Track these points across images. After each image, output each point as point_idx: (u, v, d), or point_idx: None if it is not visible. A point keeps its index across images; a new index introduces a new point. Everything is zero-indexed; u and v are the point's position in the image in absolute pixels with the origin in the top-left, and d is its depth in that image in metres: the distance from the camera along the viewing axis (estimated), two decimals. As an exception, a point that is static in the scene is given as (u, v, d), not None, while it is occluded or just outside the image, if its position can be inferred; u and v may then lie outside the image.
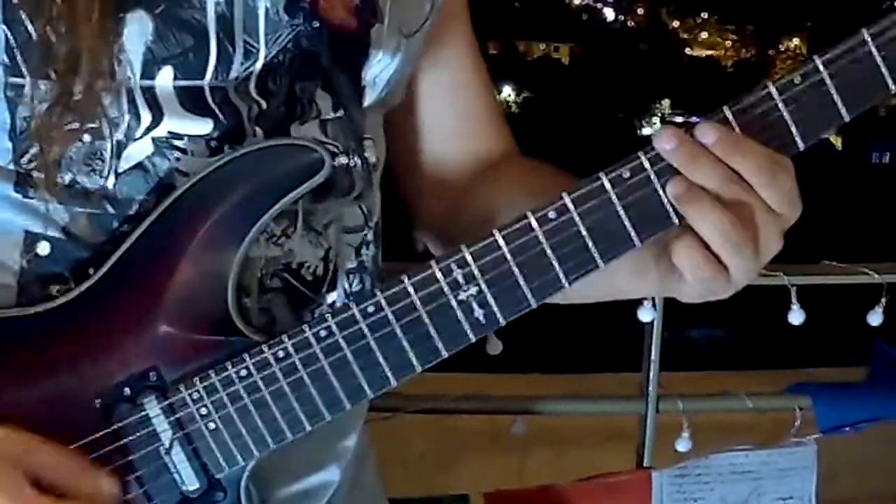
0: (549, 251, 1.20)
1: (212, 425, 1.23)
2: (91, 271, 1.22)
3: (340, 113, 1.32)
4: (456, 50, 1.51)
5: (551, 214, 1.19)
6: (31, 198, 1.22)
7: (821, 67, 1.17)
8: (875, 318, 2.88)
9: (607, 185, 1.19)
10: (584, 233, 1.19)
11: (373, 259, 1.39)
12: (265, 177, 1.21)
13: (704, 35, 70.09)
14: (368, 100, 1.37)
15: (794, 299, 2.81)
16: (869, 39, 1.18)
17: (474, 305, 1.21)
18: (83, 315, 1.22)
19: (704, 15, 69.88)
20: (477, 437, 3.54)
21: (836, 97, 1.18)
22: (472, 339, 1.22)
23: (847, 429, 2.97)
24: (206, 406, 1.22)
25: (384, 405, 2.81)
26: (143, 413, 1.22)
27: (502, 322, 1.22)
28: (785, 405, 3.03)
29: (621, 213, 1.19)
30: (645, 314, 2.83)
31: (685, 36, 68.94)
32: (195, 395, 1.22)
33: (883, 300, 2.87)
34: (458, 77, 1.52)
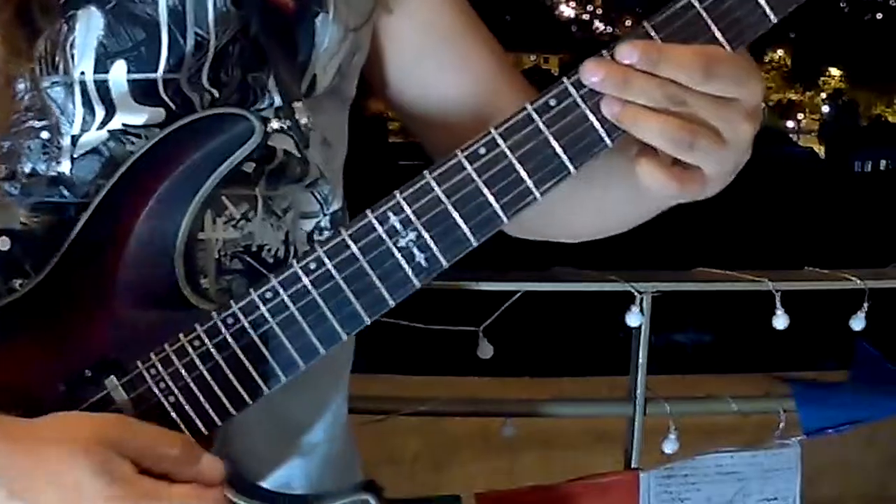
0: (483, 188, 1.16)
1: (171, 398, 1.21)
2: (50, 261, 1.22)
3: (277, 90, 1.31)
4: (437, 8, 1.49)
5: (481, 150, 1.16)
6: None
7: None
8: (857, 322, 2.89)
9: (534, 116, 1.16)
10: (516, 165, 1.16)
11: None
12: (201, 148, 1.20)
13: (690, 46, 69.95)
14: (321, 87, 1.36)
15: (779, 304, 2.82)
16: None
17: (415, 250, 1.18)
18: (42, 305, 1.21)
19: (690, 27, 69.89)
20: (468, 440, 3.54)
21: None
22: (417, 284, 1.19)
23: (830, 430, 2.98)
24: (163, 379, 1.21)
25: (378, 408, 2.82)
26: (105, 393, 1.21)
27: (445, 264, 1.19)
28: (769, 407, 3.04)
29: (552, 141, 1.16)
30: (632, 319, 2.84)
31: (672, 47, 68.85)
32: (152, 370, 1.21)
33: (865, 305, 2.88)
34: (445, 20, 1.50)
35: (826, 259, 3.55)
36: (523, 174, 1.17)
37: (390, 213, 1.18)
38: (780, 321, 2.83)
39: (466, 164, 1.16)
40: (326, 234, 1.38)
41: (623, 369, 3.01)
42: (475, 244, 1.18)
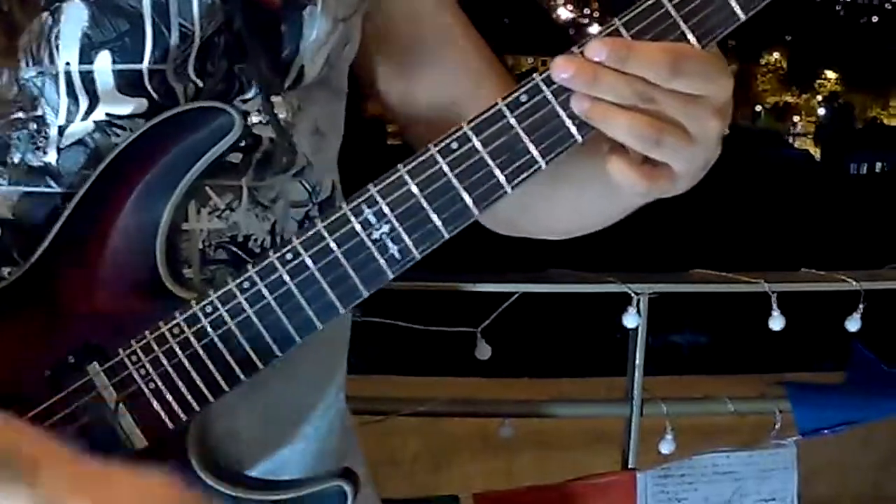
0: (454, 181, 1.19)
1: (151, 384, 1.24)
2: (37, 249, 1.24)
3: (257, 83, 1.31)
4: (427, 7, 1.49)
5: (454, 145, 1.19)
6: None
7: None
8: (853, 324, 2.89)
9: (506, 111, 1.18)
10: (488, 160, 1.18)
11: None
12: (182, 141, 1.23)
13: (687, 49, 69.96)
14: (309, 77, 1.36)
15: (775, 305, 2.82)
16: None
17: (388, 243, 1.20)
18: (30, 292, 1.24)
19: (687, 30, 69.92)
20: (467, 440, 3.53)
21: None
22: (391, 275, 1.22)
23: (826, 431, 2.98)
24: (144, 366, 1.23)
25: (377, 408, 2.82)
26: (88, 378, 1.23)
27: (418, 256, 1.21)
28: (765, 408, 3.04)
29: (523, 136, 1.18)
30: (629, 320, 2.84)
31: (668, 50, 68.86)
32: (134, 357, 1.23)
33: (860, 307, 2.88)
34: (440, 20, 1.50)
35: (822, 260, 3.55)
36: (495, 169, 1.19)
37: (364, 206, 1.20)
38: (777, 322, 2.83)
39: (439, 158, 1.19)
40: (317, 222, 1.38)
41: (620, 370, 3.01)
42: (447, 236, 1.21)
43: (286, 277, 1.22)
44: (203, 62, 1.28)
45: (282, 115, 1.32)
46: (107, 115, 1.25)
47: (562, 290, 3.07)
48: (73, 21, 1.23)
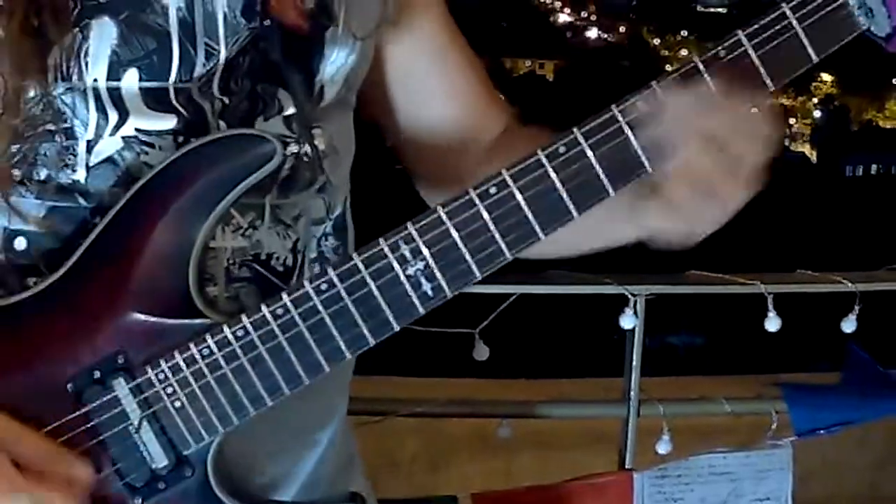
0: (490, 225, 1.21)
1: (178, 403, 1.24)
2: (64, 263, 1.24)
3: (294, 108, 1.33)
4: (432, 18, 1.50)
5: (492, 189, 1.21)
6: (10, 195, 1.24)
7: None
8: (848, 325, 2.89)
9: (544, 160, 1.21)
10: (523, 206, 1.21)
11: (333, 250, 1.40)
12: (221, 166, 1.23)
13: (684, 52, 70.17)
14: (328, 97, 1.37)
15: (771, 307, 2.82)
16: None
17: (422, 279, 1.22)
18: (55, 304, 1.24)
19: (684, 33, 70.07)
20: (465, 440, 3.54)
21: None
22: (422, 311, 1.23)
23: (821, 431, 2.98)
24: (171, 385, 1.23)
25: (376, 409, 2.82)
26: (113, 394, 1.23)
27: (449, 295, 1.23)
28: (762, 409, 3.04)
29: (559, 185, 1.21)
30: (626, 321, 2.84)
31: (665, 53, 69.08)
32: (161, 376, 1.23)
33: (856, 308, 2.88)
34: (437, 42, 1.51)
35: (818, 262, 3.55)
36: (529, 215, 1.21)
37: (401, 242, 1.22)
38: (773, 323, 2.83)
39: (477, 201, 1.21)
40: (331, 239, 1.40)
41: (617, 371, 3.01)
42: (479, 277, 1.23)
43: (320, 307, 1.22)
44: (227, 81, 1.29)
45: (321, 147, 1.34)
46: (136, 129, 1.26)
47: (559, 292, 3.07)
48: (103, 38, 1.24)
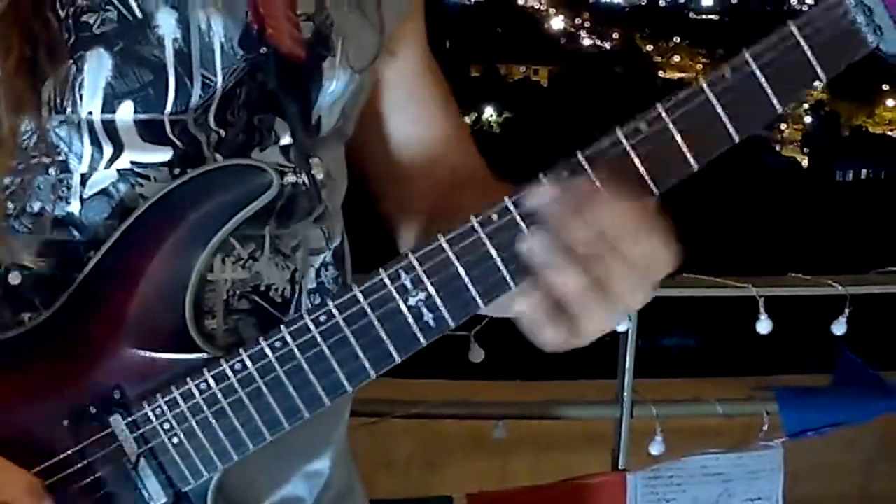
0: (493, 252, 1.16)
1: (175, 439, 1.21)
2: (59, 297, 1.22)
3: (290, 138, 1.31)
4: (414, 52, 1.49)
5: (493, 216, 1.16)
6: (3, 229, 1.22)
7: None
8: (839, 327, 2.89)
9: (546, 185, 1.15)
10: (525, 232, 1.15)
11: (333, 280, 1.38)
12: (217, 197, 1.20)
13: (677, 58, 70.23)
14: (325, 128, 1.36)
15: (762, 309, 2.82)
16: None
17: (424, 310, 1.17)
18: (50, 339, 1.21)
19: (677, 39, 70.09)
20: (460, 441, 3.54)
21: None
22: (424, 343, 1.19)
23: (812, 433, 2.98)
24: (168, 421, 1.21)
25: (371, 410, 2.81)
26: (109, 430, 1.21)
27: (452, 325, 1.18)
28: (753, 410, 3.04)
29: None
30: (620, 324, 2.83)
31: (658, 59, 69.11)
32: (157, 411, 1.20)
33: (846, 311, 2.88)
34: (420, 73, 1.49)
35: (809, 265, 3.55)
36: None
37: (402, 272, 1.18)
38: (764, 326, 2.83)
39: (478, 228, 1.16)
40: (331, 269, 1.38)
41: (611, 373, 3.01)
42: (483, 307, 1.18)
43: (319, 339, 1.19)
44: (223, 112, 1.27)
45: (319, 177, 1.32)
46: (131, 162, 1.23)
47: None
48: (97, 70, 1.21)
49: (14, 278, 1.23)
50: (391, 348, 1.19)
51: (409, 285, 1.17)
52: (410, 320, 1.18)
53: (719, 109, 1.14)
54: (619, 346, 2.94)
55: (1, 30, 1.16)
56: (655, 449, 2.91)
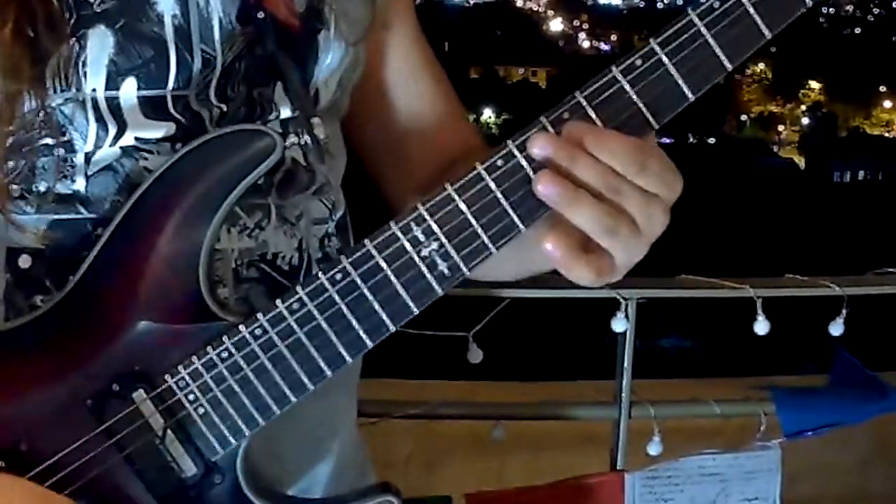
0: (501, 197, 1.18)
1: (201, 409, 1.21)
2: (71, 278, 1.22)
3: (290, 111, 1.32)
4: (405, 24, 1.50)
5: (499, 162, 1.17)
6: (10, 212, 1.22)
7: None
8: (836, 328, 2.89)
9: (547, 126, 1.18)
10: (531, 175, 1.17)
11: (337, 251, 1.38)
12: (222, 165, 1.20)
13: (674, 60, 70.03)
14: (323, 101, 1.37)
15: (760, 310, 2.82)
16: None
17: (437, 259, 1.19)
18: (65, 321, 1.21)
19: (674, 41, 69.97)
20: (459, 442, 3.53)
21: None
22: (440, 292, 1.20)
23: (809, 433, 2.98)
24: (192, 392, 1.21)
25: (371, 411, 2.81)
26: (134, 406, 1.20)
27: (467, 272, 1.19)
28: (751, 411, 3.03)
29: None
30: (618, 325, 2.83)
31: (656, 61, 68.93)
32: (181, 383, 1.21)
33: (844, 311, 2.88)
34: (413, 46, 1.51)
35: (806, 266, 3.55)
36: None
37: (413, 224, 1.19)
38: (761, 327, 2.83)
39: (485, 174, 1.18)
40: (335, 239, 1.39)
41: (609, 373, 3.01)
42: (495, 252, 1.19)
43: (336, 297, 1.20)
44: (224, 87, 1.28)
45: (321, 136, 1.33)
46: (135, 139, 1.24)
47: (552, 296, 3.07)
48: (100, 48, 1.22)
49: (24, 262, 1.23)
50: (409, 300, 1.20)
51: (421, 236, 1.19)
52: (425, 271, 1.19)
53: (710, 39, 1.17)
54: (618, 346, 2.94)
55: (1, 11, 1.17)
56: (653, 449, 2.91)
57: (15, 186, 1.23)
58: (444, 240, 1.18)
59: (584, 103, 1.17)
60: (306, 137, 1.31)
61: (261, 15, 1.28)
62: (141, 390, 1.21)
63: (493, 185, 1.17)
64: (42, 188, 1.23)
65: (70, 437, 1.20)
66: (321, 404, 1.30)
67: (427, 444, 3.57)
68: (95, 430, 1.20)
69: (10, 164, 1.22)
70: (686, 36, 1.17)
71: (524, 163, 1.17)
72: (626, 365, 2.93)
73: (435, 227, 1.18)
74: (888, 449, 3.84)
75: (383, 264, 1.19)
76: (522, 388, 3.99)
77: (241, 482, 1.23)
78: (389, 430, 2.96)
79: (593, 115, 1.17)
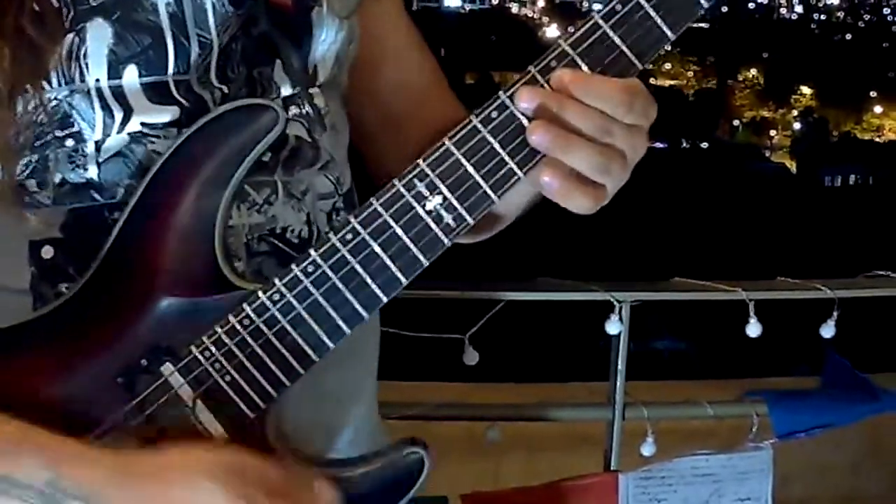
0: (498, 147, 1.22)
1: (227, 377, 1.24)
2: (92, 263, 1.24)
3: (290, 88, 1.34)
4: (395, 3, 1.53)
5: (493, 114, 1.22)
6: (29, 205, 1.25)
7: None
8: (827, 330, 2.90)
9: (538, 76, 1.22)
10: (525, 124, 1.21)
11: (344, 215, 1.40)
12: (227, 141, 1.23)
13: (668, 66, 70.30)
14: (322, 78, 1.39)
15: (752, 313, 2.82)
16: None
17: (442, 212, 1.22)
18: (91, 303, 1.23)
19: (668, 47, 70.12)
20: (454, 443, 3.53)
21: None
22: (447, 243, 1.23)
23: (801, 434, 2.98)
24: (217, 360, 1.23)
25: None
26: (163, 379, 1.23)
27: (471, 222, 1.23)
28: (743, 412, 3.04)
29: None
30: (612, 327, 2.84)
31: (650, 66, 68.92)
32: (206, 353, 1.23)
33: (835, 314, 2.88)
34: (397, 21, 1.53)
35: (798, 269, 3.56)
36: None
37: (416, 180, 1.22)
38: (754, 329, 2.83)
39: (481, 127, 1.22)
40: (343, 214, 1.41)
41: (603, 375, 3.01)
42: (497, 200, 1.23)
43: (349, 257, 1.23)
44: (224, 69, 1.30)
45: (321, 106, 1.36)
46: (142, 124, 1.26)
47: (547, 298, 3.07)
48: (99, 39, 1.24)
49: (46, 252, 1.26)
50: (418, 253, 1.23)
51: (424, 191, 1.22)
52: (431, 224, 1.23)
53: None
54: (612, 348, 2.94)
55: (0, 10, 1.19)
56: (647, 450, 2.91)
57: (31, 181, 1.25)
58: (447, 192, 1.22)
59: (570, 51, 1.22)
60: (307, 108, 1.34)
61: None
62: (168, 363, 1.23)
63: (489, 137, 1.21)
64: (57, 179, 1.25)
65: (105, 414, 1.23)
66: (341, 371, 1.34)
67: (423, 445, 3.56)
68: (128, 406, 1.23)
69: (24, 160, 1.24)
70: None
71: (517, 112, 1.21)
72: (620, 367, 2.93)
73: (437, 181, 1.22)
74: (879, 450, 3.84)
75: (391, 221, 1.22)
76: (518, 389, 3.99)
77: (273, 447, 1.25)
78: (386, 432, 2.96)
79: (579, 62, 1.22)
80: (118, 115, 1.26)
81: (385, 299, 1.24)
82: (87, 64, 1.24)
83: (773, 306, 2.90)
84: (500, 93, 1.22)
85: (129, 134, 1.26)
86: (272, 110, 1.24)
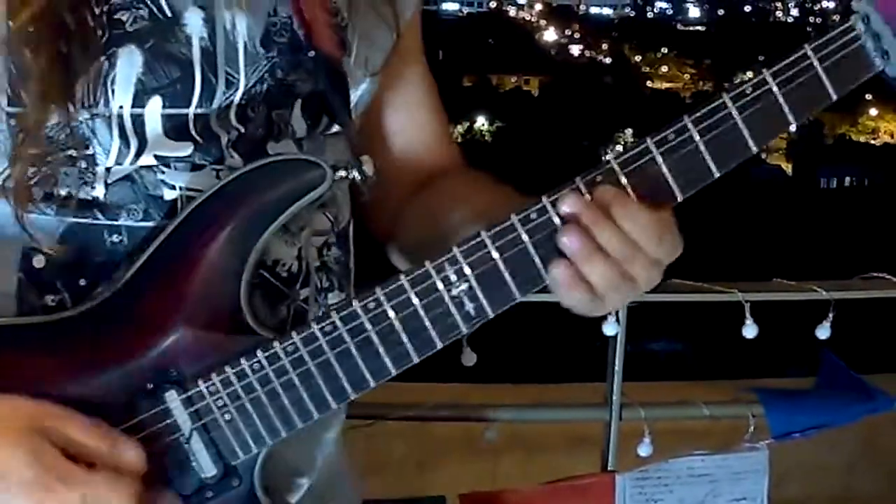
0: (531, 249, 1.23)
1: (227, 416, 1.25)
2: (82, 282, 1.25)
3: (305, 132, 1.35)
4: (416, 74, 1.53)
5: (532, 215, 1.23)
6: (30, 212, 1.24)
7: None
8: (823, 331, 2.90)
9: (582, 186, 1.22)
10: (558, 225, 1.23)
11: (335, 259, 1.41)
12: (274, 189, 1.25)
13: (664, 69, 70.26)
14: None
15: (748, 314, 2.82)
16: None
17: (465, 300, 1.23)
18: (110, 317, 1.24)
19: (664, 50, 70.11)
20: (452, 443, 3.53)
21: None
22: (465, 331, 1.25)
23: (797, 434, 2.98)
24: (221, 398, 1.24)
25: (366, 413, 2.81)
26: (164, 406, 1.24)
27: (491, 315, 1.25)
28: (739, 412, 3.04)
29: None
30: (609, 328, 2.84)
31: (647, 70, 69.12)
32: (212, 388, 1.24)
33: (830, 315, 2.88)
34: (418, 96, 1.54)
35: (794, 271, 3.55)
36: None
37: (447, 264, 1.23)
38: (750, 330, 2.83)
39: (519, 226, 1.23)
40: (334, 248, 1.41)
41: (600, 376, 3.01)
42: (520, 298, 1.25)
43: (367, 325, 1.24)
44: (245, 109, 1.30)
45: (370, 173, 1.35)
46: (155, 157, 1.27)
47: (544, 300, 3.06)
48: (129, 66, 1.25)
49: (38, 262, 1.26)
50: (434, 335, 1.25)
51: (453, 277, 1.24)
52: (453, 309, 1.24)
53: (740, 122, 1.22)
54: (609, 349, 2.94)
55: (38, 27, 1.20)
56: (643, 450, 2.91)
57: (37, 189, 1.25)
58: (473, 282, 1.24)
59: (617, 169, 1.22)
60: (355, 173, 1.33)
61: (311, 53, 1.33)
62: (173, 391, 1.24)
63: (525, 237, 1.23)
64: (63, 192, 1.26)
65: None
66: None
67: (421, 446, 3.58)
68: (126, 424, 1.23)
69: (31, 171, 1.24)
70: (718, 116, 1.22)
71: (556, 219, 1.22)
72: (617, 368, 2.94)
73: (467, 270, 1.24)
74: (874, 450, 3.85)
75: (415, 299, 1.24)
76: (515, 390, 3.99)
77: (256, 488, 1.27)
78: (384, 432, 2.96)
79: (624, 181, 1.22)
80: (133, 146, 1.26)
81: (394, 373, 1.26)
82: (113, 90, 1.24)
83: (770, 307, 2.90)
84: (543, 197, 1.23)
85: (140, 166, 1.26)
86: (321, 168, 1.25)
